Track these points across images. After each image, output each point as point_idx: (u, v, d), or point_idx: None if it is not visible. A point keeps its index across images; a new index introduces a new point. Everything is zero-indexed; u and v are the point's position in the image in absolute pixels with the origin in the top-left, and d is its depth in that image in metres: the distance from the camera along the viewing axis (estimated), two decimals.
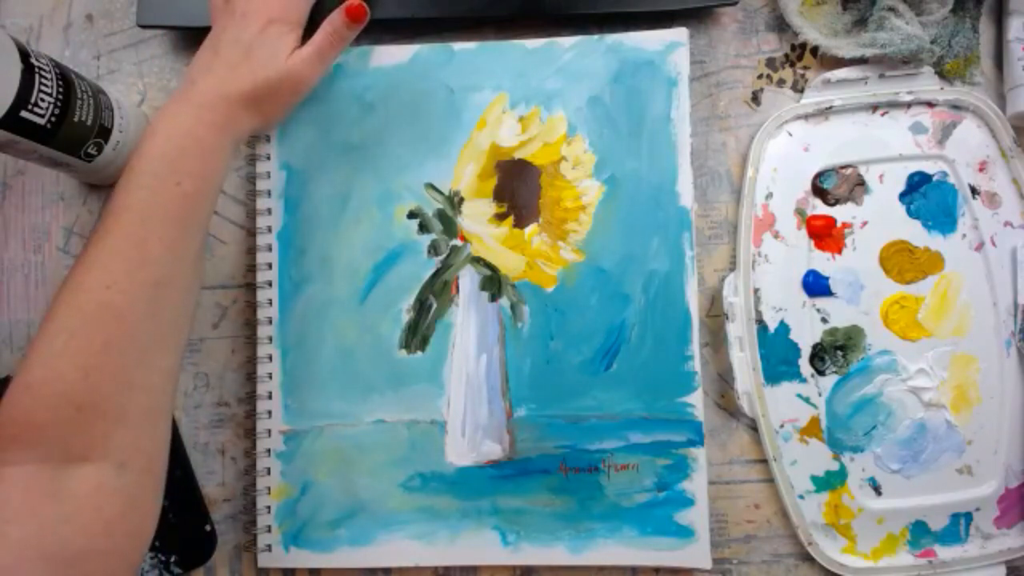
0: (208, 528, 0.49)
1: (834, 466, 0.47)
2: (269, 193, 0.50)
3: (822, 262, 0.48)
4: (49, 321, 0.36)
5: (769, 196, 0.49)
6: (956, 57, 0.49)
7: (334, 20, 0.46)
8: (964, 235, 0.48)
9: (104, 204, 0.52)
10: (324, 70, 0.47)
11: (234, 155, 0.43)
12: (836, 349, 0.48)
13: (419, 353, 0.48)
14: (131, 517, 0.37)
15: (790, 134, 0.49)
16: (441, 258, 0.49)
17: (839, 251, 0.48)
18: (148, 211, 0.38)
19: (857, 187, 0.49)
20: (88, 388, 0.35)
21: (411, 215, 0.49)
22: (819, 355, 0.48)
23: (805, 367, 0.48)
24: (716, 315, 0.49)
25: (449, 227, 0.49)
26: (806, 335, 0.48)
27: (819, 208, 0.49)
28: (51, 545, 0.33)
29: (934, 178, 0.48)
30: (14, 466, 0.34)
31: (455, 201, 0.49)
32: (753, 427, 0.48)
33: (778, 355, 0.48)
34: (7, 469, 0.34)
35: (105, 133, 0.46)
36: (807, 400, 0.48)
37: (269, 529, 0.48)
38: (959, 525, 0.47)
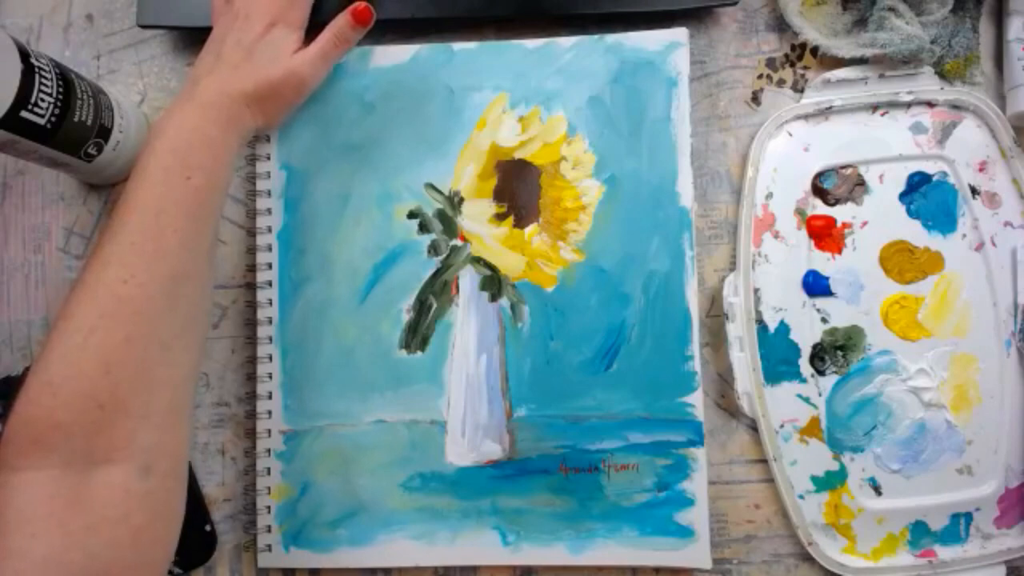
0: (208, 528, 0.49)
1: (834, 466, 0.47)
2: (269, 193, 0.50)
3: (822, 262, 0.48)
4: (65, 318, 0.35)
5: (769, 196, 0.49)
6: (956, 57, 0.49)
7: (339, 22, 0.46)
8: (964, 235, 0.48)
9: (108, 203, 0.52)
10: (327, 71, 0.47)
11: (240, 152, 0.43)
12: (836, 349, 0.48)
13: (419, 353, 0.48)
14: (158, 524, 0.36)
15: (790, 134, 0.49)
16: (441, 258, 0.49)
17: (839, 251, 0.48)
18: (162, 206, 0.38)
19: (857, 187, 0.49)
20: (111, 385, 0.34)
21: (411, 215, 0.49)
22: (819, 355, 0.48)
23: (805, 367, 0.48)
24: (716, 315, 0.49)
25: (449, 227, 0.49)
26: (806, 335, 0.48)
27: (819, 208, 0.49)
28: (78, 560, 0.32)
29: (934, 178, 0.48)
30: (36, 471, 0.33)
31: (455, 201, 0.49)
32: (753, 427, 0.48)
33: (778, 355, 0.48)
34: (29, 475, 0.33)
35: (105, 133, 0.46)
36: (807, 400, 0.48)
37: (269, 529, 0.48)
38: (959, 525, 0.47)
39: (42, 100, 0.41)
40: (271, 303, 0.49)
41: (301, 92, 0.46)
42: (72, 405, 0.34)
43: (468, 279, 0.49)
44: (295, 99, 0.46)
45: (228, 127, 0.42)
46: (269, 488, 0.48)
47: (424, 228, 0.49)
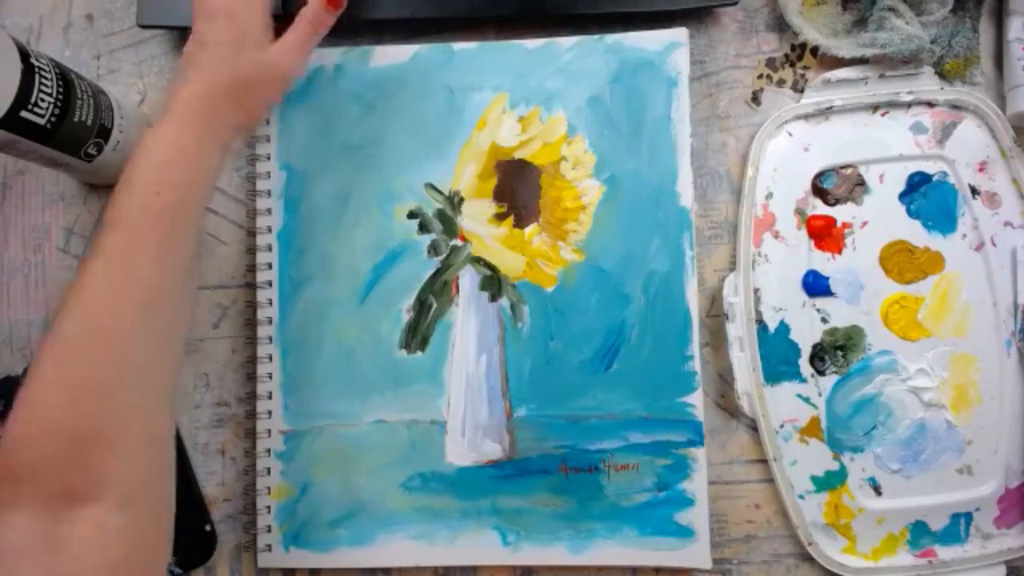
0: (208, 528, 0.49)
1: (834, 466, 0.47)
2: (269, 193, 0.50)
3: (822, 262, 0.48)
4: (42, 349, 0.35)
5: (769, 196, 0.49)
6: (956, 57, 0.49)
7: (313, 7, 0.44)
8: (964, 235, 0.48)
9: (103, 209, 0.52)
10: (305, 60, 0.45)
11: (222, 161, 0.42)
12: (836, 349, 0.48)
13: (419, 353, 0.48)
14: (137, 557, 0.34)
15: (790, 134, 0.49)
16: (441, 258, 0.49)
17: (839, 251, 0.48)
18: (133, 225, 0.37)
19: (857, 187, 0.49)
20: (83, 415, 0.33)
21: (411, 215, 0.49)
22: (819, 355, 0.48)
23: (805, 367, 0.48)
24: (716, 315, 0.49)
25: (449, 227, 0.49)
26: (806, 335, 0.48)
27: (819, 208, 0.49)
28: None
29: (934, 178, 0.48)
30: (13, 510, 0.32)
31: (455, 201, 0.49)
32: (753, 427, 0.48)
33: (778, 355, 0.48)
34: (6, 514, 0.32)
35: (105, 133, 0.46)
36: (807, 400, 0.48)
37: (269, 529, 0.48)
38: (959, 525, 0.47)
39: (42, 100, 0.41)
40: (271, 303, 0.49)
41: (281, 83, 0.44)
42: (44, 440, 0.33)
43: (468, 279, 0.49)
44: (275, 91, 0.44)
45: (206, 134, 0.40)
46: (269, 488, 0.48)
47: (424, 228, 0.49)
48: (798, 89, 0.50)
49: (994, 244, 0.48)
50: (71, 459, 0.33)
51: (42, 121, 0.41)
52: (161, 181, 0.38)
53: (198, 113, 0.40)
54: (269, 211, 0.50)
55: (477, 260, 0.49)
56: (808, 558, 0.47)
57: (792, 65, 0.51)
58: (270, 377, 0.49)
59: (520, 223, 0.49)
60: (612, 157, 0.48)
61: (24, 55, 0.40)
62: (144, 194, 0.38)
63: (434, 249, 0.49)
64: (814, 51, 0.50)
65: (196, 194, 0.40)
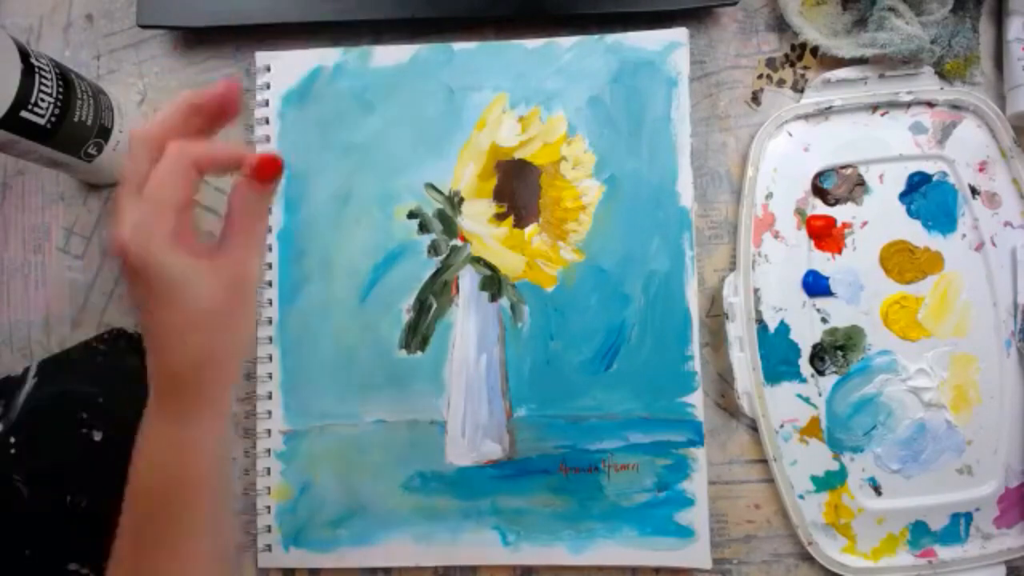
0: None
1: (834, 466, 0.47)
2: None
3: (822, 262, 0.48)
4: None
5: (769, 196, 0.49)
6: (956, 57, 0.49)
7: (242, 192, 0.35)
8: (964, 235, 0.48)
9: (108, 203, 0.52)
10: (264, 250, 0.37)
11: (226, 418, 0.37)
12: (836, 349, 0.48)
13: (419, 353, 0.48)
14: None
15: (790, 134, 0.49)
16: (441, 258, 0.49)
17: (839, 251, 0.48)
18: (134, 535, 0.35)
19: (857, 187, 0.49)
20: None
21: (411, 215, 0.49)
22: (819, 355, 0.48)
23: (805, 367, 0.48)
24: (716, 315, 0.49)
25: (449, 227, 0.49)
26: (806, 335, 0.48)
27: (819, 208, 0.49)
28: None
29: (934, 178, 0.48)
30: None
31: (455, 201, 0.49)
32: (753, 427, 0.48)
33: (778, 355, 0.48)
34: None
35: (105, 133, 0.46)
36: (807, 400, 0.48)
37: (269, 529, 0.48)
38: (959, 525, 0.47)
39: (42, 100, 0.41)
40: (271, 303, 0.49)
41: (245, 300, 0.35)
42: None
43: (468, 279, 0.49)
44: (241, 310, 0.35)
45: (188, 406, 0.34)
46: (269, 488, 0.48)
47: (424, 228, 0.49)
48: (798, 89, 0.50)
49: (994, 244, 0.48)
50: None
51: (42, 121, 0.41)
52: (154, 507, 0.34)
53: (168, 390, 0.34)
54: (269, 211, 0.50)
55: (477, 260, 0.49)
56: (808, 558, 0.47)
57: (792, 65, 0.51)
58: (270, 377, 0.49)
59: (520, 223, 0.49)
60: (612, 157, 0.48)
61: (24, 55, 0.40)
62: (140, 516, 0.35)
63: (434, 249, 0.49)
64: (814, 51, 0.50)
65: (198, 490, 0.35)
